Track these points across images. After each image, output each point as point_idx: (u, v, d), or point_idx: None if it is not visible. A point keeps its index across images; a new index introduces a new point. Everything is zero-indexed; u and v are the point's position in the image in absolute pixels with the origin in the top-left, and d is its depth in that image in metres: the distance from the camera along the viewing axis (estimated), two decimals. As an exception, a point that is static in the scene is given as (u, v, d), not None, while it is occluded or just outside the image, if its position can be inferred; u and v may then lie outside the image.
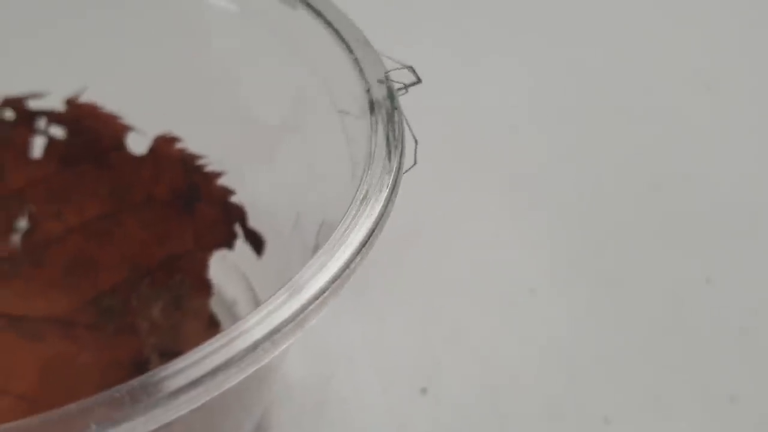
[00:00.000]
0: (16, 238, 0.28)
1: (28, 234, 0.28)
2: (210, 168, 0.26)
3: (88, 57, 0.27)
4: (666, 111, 0.41)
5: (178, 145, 0.26)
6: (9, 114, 0.28)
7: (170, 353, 0.24)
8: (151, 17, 0.26)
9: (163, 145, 0.26)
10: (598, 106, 0.40)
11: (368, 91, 0.21)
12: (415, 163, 0.21)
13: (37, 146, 0.28)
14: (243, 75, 0.26)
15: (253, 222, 0.26)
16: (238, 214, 0.25)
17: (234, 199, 0.26)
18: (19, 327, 0.27)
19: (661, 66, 0.43)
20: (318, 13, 0.23)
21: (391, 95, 0.21)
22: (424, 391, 0.28)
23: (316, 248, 0.19)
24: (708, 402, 0.29)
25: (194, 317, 0.26)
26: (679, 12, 0.46)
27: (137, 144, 0.27)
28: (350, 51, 0.22)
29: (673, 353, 0.30)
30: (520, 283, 0.32)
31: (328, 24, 0.23)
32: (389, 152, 0.20)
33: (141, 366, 0.25)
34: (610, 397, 0.29)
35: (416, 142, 0.21)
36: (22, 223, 0.28)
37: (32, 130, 0.28)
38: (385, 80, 0.21)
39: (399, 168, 0.19)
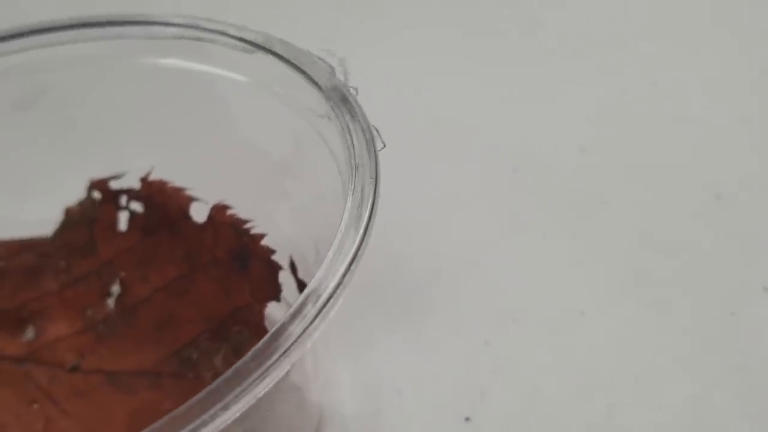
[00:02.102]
0: (110, 302, 0.31)
1: (120, 298, 0.31)
2: (255, 230, 0.28)
3: (145, 138, 0.30)
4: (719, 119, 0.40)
5: (230, 212, 0.28)
6: (96, 194, 0.31)
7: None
8: (181, 98, 0.28)
9: (218, 212, 0.28)
10: (653, 120, 0.40)
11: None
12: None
13: (122, 220, 0.31)
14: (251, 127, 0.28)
15: (282, 255, 0.27)
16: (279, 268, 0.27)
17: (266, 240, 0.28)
18: (114, 382, 0.29)
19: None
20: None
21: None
22: (467, 419, 0.29)
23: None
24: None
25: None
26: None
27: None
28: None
29: (727, 372, 0.30)
30: (570, 307, 0.32)
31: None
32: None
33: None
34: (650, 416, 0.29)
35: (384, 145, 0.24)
36: (115, 288, 0.31)
37: (116, 207, 0.31)
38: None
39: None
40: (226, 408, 0.19)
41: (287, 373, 0.24)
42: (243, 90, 0.27)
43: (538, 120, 0.41)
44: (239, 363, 0.19)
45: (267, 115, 0.27)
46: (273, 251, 0.27)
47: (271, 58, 0.27)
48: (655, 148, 0.39)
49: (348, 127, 0.24)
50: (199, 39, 0.28)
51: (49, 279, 0.31)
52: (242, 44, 0.28)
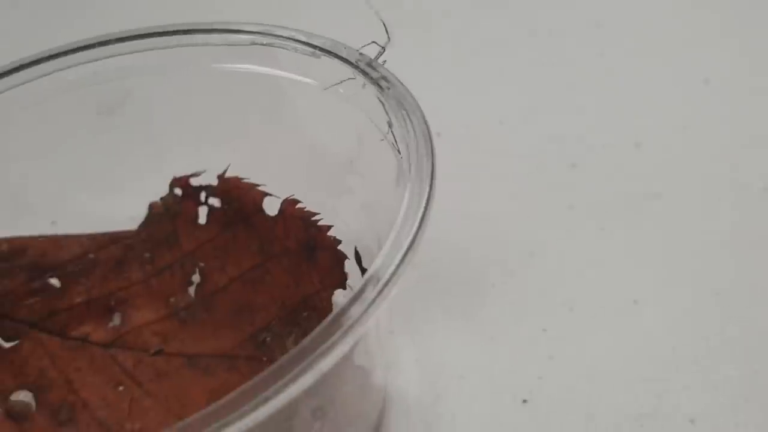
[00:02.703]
0: (191, 291, 0.33)
1: (200, 286, 0.33)
2: (322, 222, 0.29)
3: (221, 138, 0.32)
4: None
5: (299, 206, 0.30)
6: (177, 191, 0.33)
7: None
8: (254, 100, 0.30)
9: (289, 206, 0.30)
10: (704, 117, 0.40)
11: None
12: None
13: (201, 214, 0.33)
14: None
15: (348, 246, 0.29)
16: (345, 257, 0.29)
17: (333, 231, 0.29)
18: (194, 364, 0.31)
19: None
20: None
21: None
22: (525, 401, 0.30)
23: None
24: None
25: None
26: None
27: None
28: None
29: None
30: (625, 296, 0.33)
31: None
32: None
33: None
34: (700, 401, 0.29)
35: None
36: (195, 277, 0.33)
37: (197, 203, 0.32)
38: None
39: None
40: (293, 381, 0.20)
41: (352, 354, 0.26)
42: (310, 92, 0.29)
43: (595, 117, 0.41)
44: (305, 341, 0.21)
45: (332, 115, 0.28)
46: (339, 242, 0.29)
47: (336, 61, 0.29)
48: (706, 144, 0.39)
49: (407, 123, 0.26)
50: (271, 45, 0.30)
51: (134, 269, 0.33)
52: (310, 49, 0.29)
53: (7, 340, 0.31)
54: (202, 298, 0.33)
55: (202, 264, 0.33)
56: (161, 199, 0.33)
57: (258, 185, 0.31)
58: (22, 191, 0.33)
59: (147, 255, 0.33)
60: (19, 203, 0.33)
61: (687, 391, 0.30)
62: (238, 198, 0.32)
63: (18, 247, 0.31)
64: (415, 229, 0.23)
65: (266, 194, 0.31)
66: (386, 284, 0.22)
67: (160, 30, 0.32)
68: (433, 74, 0.45)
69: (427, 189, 0.24)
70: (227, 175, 0.32)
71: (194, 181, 0.32)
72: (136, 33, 0.31)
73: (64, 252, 0.32)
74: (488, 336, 0.32)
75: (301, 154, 0.30)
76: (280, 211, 0.30)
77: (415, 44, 0.38)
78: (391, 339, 0.32)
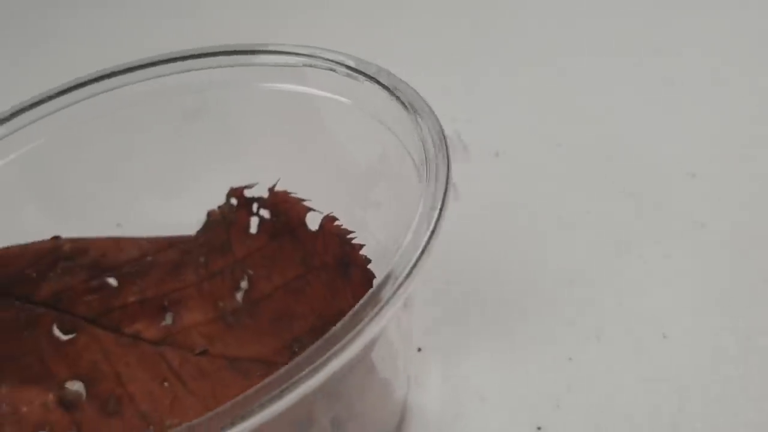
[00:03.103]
0: (238, 296, 0.34)
1: (247, 292, 0.34)
2: (356, 240, 0.30)
3: (272, 152, 0.33)
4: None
5: (337, 223, 0.31)
6: (233, 201, 0.34)
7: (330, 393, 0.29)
8: (299, 118, 0.31)
9: (328, 222, 0.31)
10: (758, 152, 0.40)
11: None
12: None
13: (252, 225, 0.34)
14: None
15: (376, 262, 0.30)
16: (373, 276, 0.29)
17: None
18: (234, 366, 0.32)
19: None
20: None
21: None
22: (539, 429, 0.30)
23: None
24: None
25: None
26: None
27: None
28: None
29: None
30: (655, 329, 0.32)
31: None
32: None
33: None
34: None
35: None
36: (243, 284, 0.34)
37: (249, 213, 0.34)
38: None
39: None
40: (309, 377, 0.21)
41: (372, 362, 0.26)
42: (348, 113, 0.30)
43: (652, 145, 0.41)
44: (321, 340, 0.22)
45: (365, 134, 0.29)
46: (369, 260, 0.30)
47: (376, 86, 0.30)
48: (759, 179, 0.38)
49: (429, 137, 0.27)
50: (316, 66, 0.31)
51: (189, 273, 0.35)
52: (354, 73, 0.30)
53: (65, 333, 0.33)
54: (248, 303, 0.34)
55: (251, 271, 0.34)
56: (218, 207, 0.35)
57: (303, 200, 0.32)
58: (93, 194, 0.35)
59: (202, 260, 0.35)
60: (89, 205, 0.35)
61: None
62: (285, 211, 0.33)
63: (80, 248, 0.33)
64: (427, 236, 0.24)
65: (310, 209, 0.32)
66: (399, 287, 0.23)
67: (225, 49, 0.33)
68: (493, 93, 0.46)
69: (443, 191, 0.25)
70: (277, 188, 0.33)
71: (247, 193, 0.34)
72: (187, 53, 0.33)
73: (124, 254, 0.34)
74: (515, 360, 0.32)
75: (337, 170, 0.31)
76: (321, 226, 0.31)
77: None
78: (418, 355, 0.33)
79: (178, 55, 0.34)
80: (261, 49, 0.32)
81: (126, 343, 0.33)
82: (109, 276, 0.33)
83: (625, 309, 0.33)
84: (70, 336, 0.33)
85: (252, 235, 0.34)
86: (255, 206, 0.34)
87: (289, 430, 0.30)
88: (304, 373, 0.22)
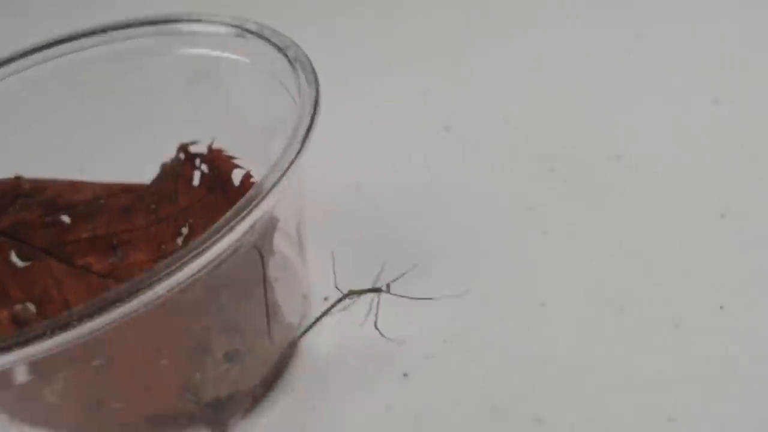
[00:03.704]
0: (179, 241, 0.38)
1: (186, 237, 0.38)
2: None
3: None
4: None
5: (252, 180, 0.34)
6: (181, 155, 0.38)
7: (231, 329, 0.33)
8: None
9: (246, 179, 0.35)
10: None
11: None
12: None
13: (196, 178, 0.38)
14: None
15: None
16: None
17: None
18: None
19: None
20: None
21: None
22: (406, 375, 0.33)
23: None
24: None
25: (255, 304, 0.34)
26: None
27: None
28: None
29: None
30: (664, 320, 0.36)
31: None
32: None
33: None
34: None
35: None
36: (185, 230, 0.38)
37: (193, 167, 0.38)
38: None
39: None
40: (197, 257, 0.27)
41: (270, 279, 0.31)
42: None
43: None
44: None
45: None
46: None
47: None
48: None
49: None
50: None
51: (140, 217, 0.39)
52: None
53: (22, 260, 0.37)
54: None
55: (191, 219, 0.38)
56: (171, 160, 0.39)
57: (233, 158, 0.36)
58: (62, 141, 0.40)
59: (152, 206, 0.39)
60: (55, 150, 0.39)
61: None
62: (218, 166, 0.37)
63: (39, 187, 0.37)
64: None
65: (237, 166, 0.36)
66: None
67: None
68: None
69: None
70: (213, 146, 0.37)
71: (192, 149, 0.38)
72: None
73: (79, 195, 0.38)
74: (412, 312, 0.36)
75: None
76: (241, 182, 0.35)
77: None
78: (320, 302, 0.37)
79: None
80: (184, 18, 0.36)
81: (76, 273, 0.37)
82: (64, 214, 0.38)
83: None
84: (26, 264, 0.37)
85: (195, 187, 0.38)
86: (197, 161, 0.38)
87: (187, 356, 0.34)
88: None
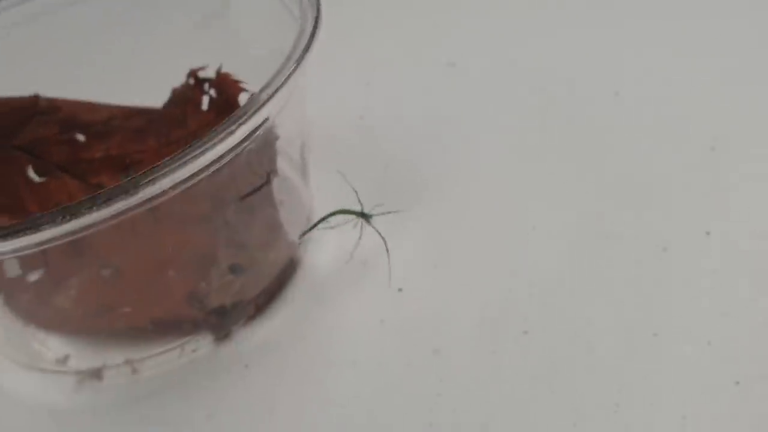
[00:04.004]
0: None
1: (196, 158, 0.39)
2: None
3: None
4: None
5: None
6: (191, 80, 0.40)
7: (236, 244, 0.35)
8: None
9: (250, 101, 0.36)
10: None
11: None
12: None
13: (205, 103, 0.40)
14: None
15: None
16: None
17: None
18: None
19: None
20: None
21: None
22: (401, 289, 0.35)
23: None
24: None
25: (260, 222, 0.36)
26: None
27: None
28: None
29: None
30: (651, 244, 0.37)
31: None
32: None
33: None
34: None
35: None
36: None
37: (202, 92, 0.39)
38: None
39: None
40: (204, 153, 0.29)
41: (278, 223, 0.32)
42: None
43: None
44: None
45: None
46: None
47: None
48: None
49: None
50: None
51: (151, 139, 0.40)
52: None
53: (39, 176, 0.39)
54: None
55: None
56: (181, 85, 0.40)
57: (240, 82, 0.38)
58: (80, 65, 0.41)
59: (163, 129, 0.40)
60: (72, 73, 0.41)
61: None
62: (225, 90, 0.38)
63: (55, 106, 0.39)
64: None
65: (244, 90, 0.37)
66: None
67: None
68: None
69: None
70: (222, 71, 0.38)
71: (201, 75, 0.39)
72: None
73: (94, 115, 0.40)
74: (404, 234, 0.37)
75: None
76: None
77: None
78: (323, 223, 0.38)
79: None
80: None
81: (89, 190, 0.39)
82: (79, 133, 0.39)
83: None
84: (42, 180, 0.39)
85: (203, 111, 0.40)
86: (206, 86, 0.39)
87: (193, 267, 0.35)
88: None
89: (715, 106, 0.43)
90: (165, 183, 0.29)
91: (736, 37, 0.48)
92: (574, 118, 0.44)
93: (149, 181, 0.29)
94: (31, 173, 0.39)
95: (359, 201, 0.37)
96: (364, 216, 0.37)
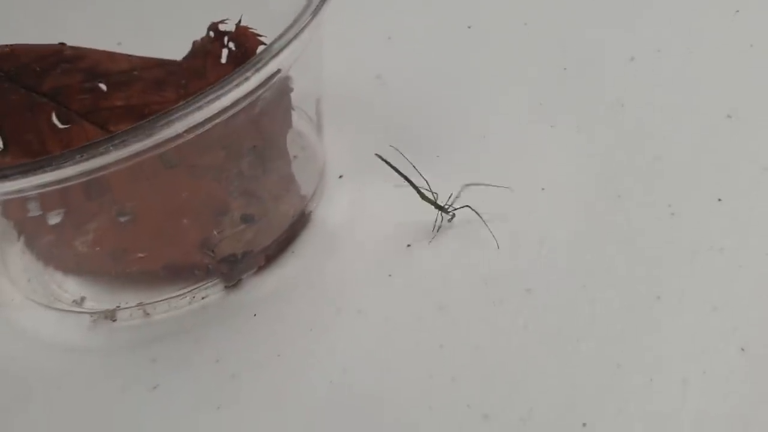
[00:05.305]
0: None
1: (215, 112, 0.40)
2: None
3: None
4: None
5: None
6: (211, 33, 0.40)
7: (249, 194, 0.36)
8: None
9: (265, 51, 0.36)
10: None
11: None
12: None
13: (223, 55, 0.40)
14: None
15: None
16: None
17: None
18: (192, 172, 0.38)
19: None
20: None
21: None
22: (409, 245, 0.35)
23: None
24: None
25: (273, 174, 0.37)
26: None
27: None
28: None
29: None
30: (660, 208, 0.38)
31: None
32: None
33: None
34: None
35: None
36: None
37: (222, 45, 0.40)
38: None
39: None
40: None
41: (290, 175, 0.33)
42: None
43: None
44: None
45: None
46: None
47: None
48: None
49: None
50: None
51: (170, 90, 0.41)
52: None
53: (62, 123, 0.40)
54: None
55: (218, 94, 0.40)
56: (201, 39, 0.41)
57: (259, 35, 0.38)
58: (103, 16, 0.42)
59: (183, 81, 0.41)
60: (97, 24, 0.41)
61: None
62: (244, 43, 0.39)
63: (79, 54, 0.39)
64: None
65: (262, 43, 0.38)
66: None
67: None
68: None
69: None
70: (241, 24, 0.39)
71: (221, 27, 0.40)
72: None
73: (115, 65, 0.40)
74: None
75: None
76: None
77: None
78: (336, 180, 0.39)
79: None
80: None
81: (109, 138, 0.40)
82: (101, 82, 0.40)
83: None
84: (65, 126, 0.40)
85: (223, 64, 0.40)
86: (225, 39, 0.40)
87: (207, 216, 0.36)
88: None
89: (733, 74, 0.43)
90: (179, 127, 0.30)
91: (756, 3, 0.47)
92: (589, 83, 0.44)
93: (164, 124, 0.29)
94: (55, 119, 0.39)
95: (429, 187, 0.37)
96: (441, 208, 0.37)
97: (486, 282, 0.36)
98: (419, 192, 0.37)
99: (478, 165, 0.40)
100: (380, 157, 0.37)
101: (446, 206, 0.37)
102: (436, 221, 0.37)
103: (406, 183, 0.37)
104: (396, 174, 0.37)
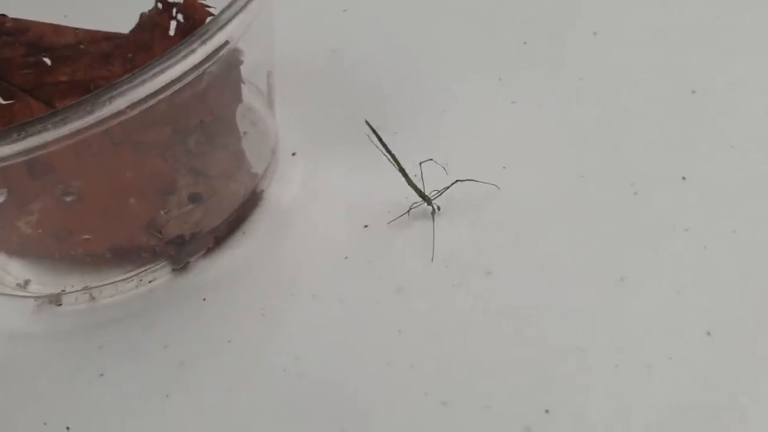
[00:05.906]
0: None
1: (161, 85, 0.38)
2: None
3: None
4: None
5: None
6: (159, 5, 0.38)
7: (197, 172, 0.34)
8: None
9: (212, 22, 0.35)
10: None
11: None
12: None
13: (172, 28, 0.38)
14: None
15: None
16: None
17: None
18: (137, 148, 0.37)
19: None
20: None
21: None
22: (366, 226, 0.34)
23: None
24: None
25: (221, 151, 0.35)
26: None
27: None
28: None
29: None
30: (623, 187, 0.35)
31: None
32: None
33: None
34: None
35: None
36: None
37: (170, 17, 0.38)
38: None
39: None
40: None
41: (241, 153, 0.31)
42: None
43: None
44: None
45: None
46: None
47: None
48: None
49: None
50: None
51: (117, 64, 0.39)
52: None
53: (4, 99, 0.38)
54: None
55: (165, 67, 0.38)
56: (149, 11, 0.39)
57: (208, 6, 0.36)
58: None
59: (129, 55, 0.39)
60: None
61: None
62: (193, 15, 0.37)
63: (22, 26, 0.38)
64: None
65: (211, 14, 0.36)
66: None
67: None
68: None
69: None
70: (188, -4, 0.37)
71: (170, -1, 0.38)
72: None
73: (60, 38, 0.38)
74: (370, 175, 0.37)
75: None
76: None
77: None
78: (289, 157, 0.37)
79: None
80: None
81: (54, 113, 0.38)
82: (45, 56, 0.38)
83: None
84: (8, 102, 0.38)
85: (171, 36, 0.38)
86: (174, 11, 0.38)
87: (153, 195, 0.34)
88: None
89: (698, 48, 0.42)
90: (122, 102, 0.28)
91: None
92: (550, 57, 0.42)
93: (106, 99, 0.28)
94: (-4, 96, 0.37)
95: (422, 180, 0.36)
96: (426, 198, 0.36)
97: (446, 264, 0.34)
98: (407, 177, 0.36)
99: (437, 142, 0.39)
100: (369, 125, 0.35)
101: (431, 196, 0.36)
102: (411, 207, 0.36)
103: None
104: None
